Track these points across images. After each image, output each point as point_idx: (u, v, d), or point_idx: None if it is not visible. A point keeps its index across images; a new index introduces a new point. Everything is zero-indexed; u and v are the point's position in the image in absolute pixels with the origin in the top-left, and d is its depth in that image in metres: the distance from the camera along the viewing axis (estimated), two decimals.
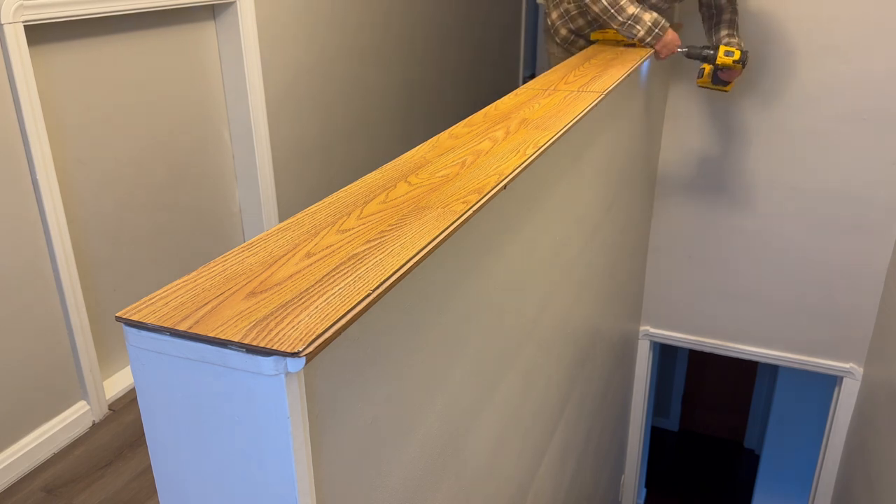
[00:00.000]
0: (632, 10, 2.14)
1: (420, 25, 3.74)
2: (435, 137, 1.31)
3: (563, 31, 2.45)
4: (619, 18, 2.15)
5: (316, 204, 0.99)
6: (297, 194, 2.98)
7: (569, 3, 2.42)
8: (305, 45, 2.91)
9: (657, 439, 6.69)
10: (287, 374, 0.66)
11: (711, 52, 2.36)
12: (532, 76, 5.44)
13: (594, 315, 2.24)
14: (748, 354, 3.63)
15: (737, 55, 2.34)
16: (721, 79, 2.49)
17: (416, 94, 3.82)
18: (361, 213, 0.96)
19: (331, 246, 0.86)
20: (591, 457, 2.65)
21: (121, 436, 2.17)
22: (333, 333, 0.68)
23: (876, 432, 3.06)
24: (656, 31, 2.16)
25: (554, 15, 2.46)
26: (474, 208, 0.99)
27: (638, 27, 2.16)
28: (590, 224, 1.95)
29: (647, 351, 3.87)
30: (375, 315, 0.83)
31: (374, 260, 0.82)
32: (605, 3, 2.15)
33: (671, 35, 2.22)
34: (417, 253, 0.85)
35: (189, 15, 2.46)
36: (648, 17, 2.16)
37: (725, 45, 2.40)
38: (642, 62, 2.18)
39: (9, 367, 1.98)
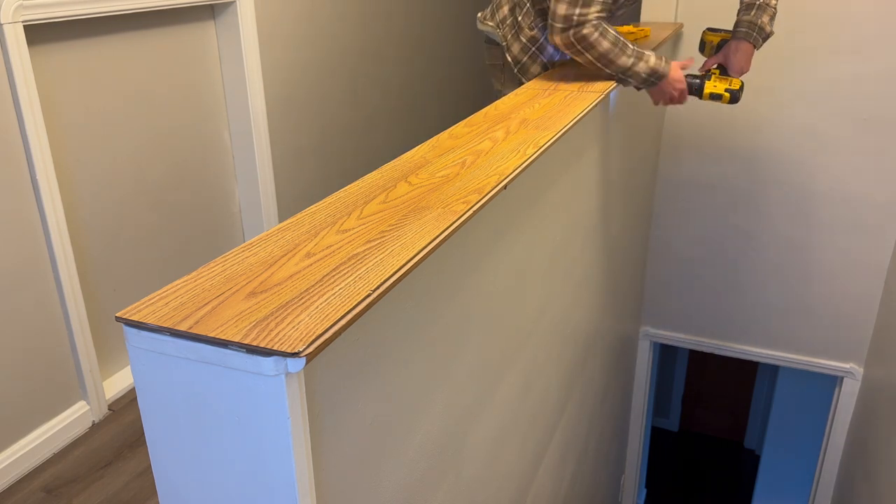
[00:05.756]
0: (624, 60, 1.74)
1: (420, 24, 3.74)
2: (435, 137, 1.31)
3: (535, 69, 1.96)
4: (608, 71, 1.78)
5: (316, 204, 0.99)
6: (296, 194, 2.98)
7: (531, 28, 1.91)
8: (305, 44, 2.91)
9: (657, 439, 6.69)
10: (287, 374, 0.66)
11: (697, 81, 1.97)
12: None
13: (594, 315, 2.24)
14: (748, 354, 3.63)
15: (726, 98, 1.95)
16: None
17: (417, 94, 3.82)
18: (361, 213, 0.96)
19: (331, 246, 0.86)
20: (591, 457, 2.65)
21: (121, 436, 2.17)
22: (333, 334, 0.68)
23: (876, 432, 3.06)
24: (652, 79, 1.79)
25: (516, 48, 1.95)
26: (474, 208, 0.99)
27: (630, 81, 1.80)
28: (590, 224, 1.95)
29: (647, 351, 3.87)
30: (376, 315, 0.83)
31: (375, 260, 0.82)
32: (596, 56, 1.73)
33: (674, 73, 1.80)
34: (417, 253, 0.84)
35: (189, 15, 2.46)
36: (644, 66, 1.76)
37: (720, 77, 2.02)
38: None
39: (9, 367, 1.98)
